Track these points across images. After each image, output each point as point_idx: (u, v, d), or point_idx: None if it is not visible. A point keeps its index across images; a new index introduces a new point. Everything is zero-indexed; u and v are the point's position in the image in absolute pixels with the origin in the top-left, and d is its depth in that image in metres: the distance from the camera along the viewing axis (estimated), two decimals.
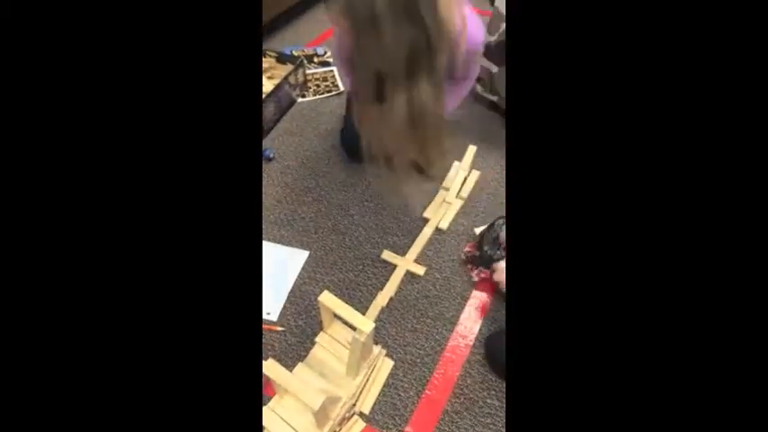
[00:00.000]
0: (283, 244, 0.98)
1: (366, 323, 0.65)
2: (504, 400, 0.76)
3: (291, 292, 0.90)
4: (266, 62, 1.31)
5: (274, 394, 0.70)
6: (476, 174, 1.12)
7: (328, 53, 1.48)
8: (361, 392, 0.74)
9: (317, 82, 1.38)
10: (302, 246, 0.98)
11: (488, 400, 0.76)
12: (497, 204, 1.07)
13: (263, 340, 0.83)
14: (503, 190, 1.10)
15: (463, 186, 1.09)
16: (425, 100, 0.63)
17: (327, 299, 0.69)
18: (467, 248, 0.97)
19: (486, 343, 0.81)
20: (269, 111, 1.20)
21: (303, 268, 0.94)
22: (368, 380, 0.75)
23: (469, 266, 0.94)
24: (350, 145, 1.12)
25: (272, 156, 1.14)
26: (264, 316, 0.86)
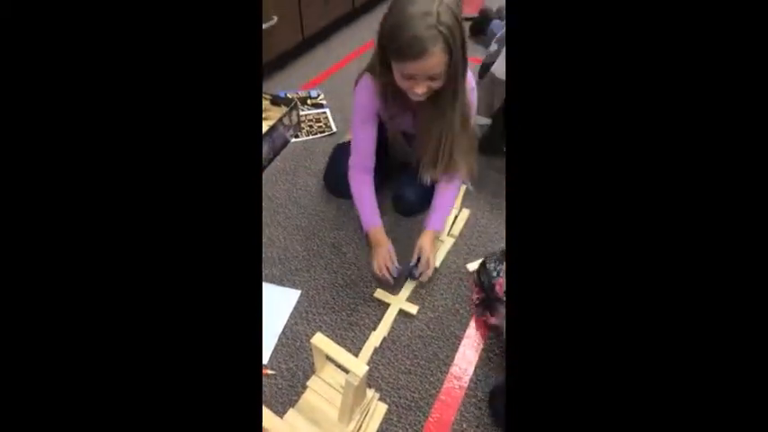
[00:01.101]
0: (275, 283, 0.97)
1: (359, 366, 0.64)
2: None
3: (282, 332, 0.89)
4: (262, 104, 1.35)
5: None
6: (466, 212, 1.15)
7: (321, 95, 1.53)
8: None
9: (311, 123, 1.41)
10: (294, 285, 0.97)
11: None
12: (487, 242, 1.08)
13: None
14: (492, 228, 1.12)
15: (454, 225, 1.11)
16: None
17: (320, 341, 0.68)
18: (474, 295, 0.92)
19: (491, 396, 0.79)
20: (263, 151, 1.22)
21: (295, 308, 0.93)
22: (361, 426, 0.73)
23: (486, 315, 0.88)
24: (333, 183, 1.15)
25: None
26: None
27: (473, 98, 0.93)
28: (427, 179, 0.96)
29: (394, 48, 0.76)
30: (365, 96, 0.92)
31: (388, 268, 0.92)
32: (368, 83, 0.91)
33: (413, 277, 0.94)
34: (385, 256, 0.93)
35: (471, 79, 0.91)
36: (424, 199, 1.07)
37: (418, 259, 0.93)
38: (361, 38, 1.88)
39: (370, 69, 0.90)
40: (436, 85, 0.80)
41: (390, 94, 0.89)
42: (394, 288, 0.95)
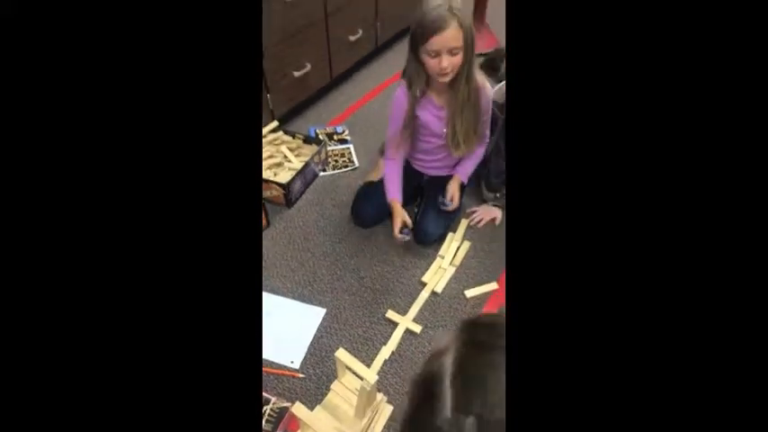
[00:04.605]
0: (305, 302, 1.18)
1: (371, 375, 0.84)
2: None
3: (311, 343, 1.10)
4: (295, 143, 1.57)
5: (298, 429, 0.88)
6: (467, 244, 1.33)
7: (346, 131, 1.74)
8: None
9: (336, 157, 1.63)
10: (320, 304, 1.18)
11: None
12: (484, 272, 1.27)
13: (288, 385, 1.01)
14: (490, 259, 1.30)
15: (456, 255, 1.30)
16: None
17: (342, 354, 0.88)
18: None
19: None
20: (297, 185, 1.44)
21: (321, 323, 1.14)
22: (371, 422, 0.93)
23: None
24: (359, 217, 1.36)
25: None
26: (289, 364, 1.05)
27: (489, 93, 1.21)
28: (458, 154, 1.27)
29: (420, 33, 1.03)
30: (400, 98, 1.20)
31: (401, 230, 1.25)
32: (402, 90, 1.19)
33: (444, 206, 1.29)
34: (401, 222, 1.25)
35: (483, 79, 1.19)
36: (444, 230, 1.33)
37: (446, 195, 1.30)
38: (386, 72, 2.07)
39: (403, 76, 1.18)
40: (456, 60, 1.06)
41: (419, 89, 1.16)
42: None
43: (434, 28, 1.01)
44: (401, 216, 1.25)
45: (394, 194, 1.28)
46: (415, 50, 1.09)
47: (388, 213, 1.32)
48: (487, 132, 1.30)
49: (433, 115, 1.22)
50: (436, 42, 1.02)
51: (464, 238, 1.35)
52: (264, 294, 1.19)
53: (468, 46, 1.06)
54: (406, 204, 1.33)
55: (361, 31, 1.90)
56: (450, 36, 1.01)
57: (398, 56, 2.16)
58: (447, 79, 1.10)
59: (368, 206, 1.35)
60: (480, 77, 1.16)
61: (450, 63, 1.05)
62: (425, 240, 1.31)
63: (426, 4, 1.04)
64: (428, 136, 1.27)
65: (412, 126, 1.24)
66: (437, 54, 1.04)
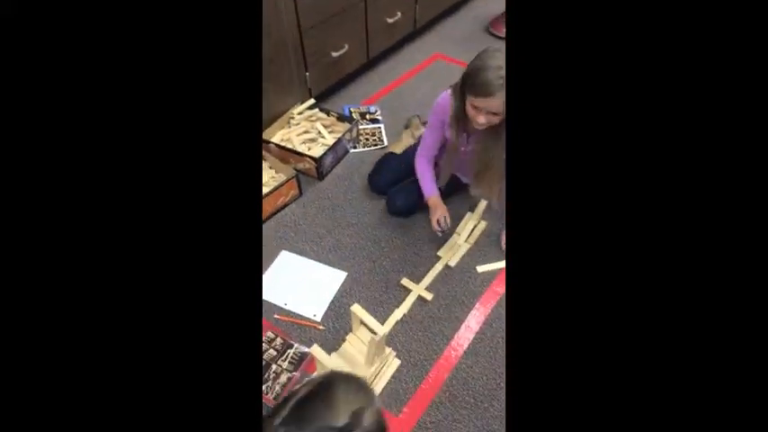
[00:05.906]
0: (329, 265, 1.31)
1: (381, 329, 0.96)
2: (478, 400, 1.03)
3: (332, 301, 1.23)
4: (329, 120, 1.68)
5: (315, 371, 1.02)
6: (483, 224, 1.41)
7: (378, 111, 1.83)
8: (373, 379, 1.04)
9: (367, 136, 1.72)
10: (343, 268, 1.30)
11: (466, 398, 1.04)
12: (498, 251, 1.34)
13: (311, 335, 1.15)
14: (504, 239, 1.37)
15: (472, 233, 1.38)
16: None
17: (357, 309, 1.00)
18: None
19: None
20: (328, 159, 1.55)
21: (342, 285, 1.26)
22: (380, 371, 1.05)
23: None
24: (375, 183, 1.48)
25: None
26: (312, 317, 1.19)
27: None
28: (479, 194, 1.28)
29: (469, 84, 1.03)
30: (441, 108, 1.20)
31: (439, 223, 1.26)
32: (446, 100, 1.17)
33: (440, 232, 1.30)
34: (440, 216, 1.26)
35: None
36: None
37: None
38: (421, 55, 2.12)
39: (452, 88, 1.15)
40: (496, 119, 1.05)
41: (457, 113, 1.14)
42: (443, 240, 1.34)
43: (483, 91, 0.99)
44: (441, 210, 1.27)
45: (430, 192, 1.30)
46: (462, 90, 1.07)
47: (400, 180, 1.41)
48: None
49: (463, 144, 1.22)
50: (480, 103, 1.02)
51: (480, 218, 1.42)
52: (294, 256, 1.33)
53: None
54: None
55: (399, 14, 1.95)
56: (495, 104, 1.00)
57: (435, 39, 2.20)
58: (481, 128, 1.09)
59: (382, 172, 1.46)
60: None
61: (487, 121, 1.05)
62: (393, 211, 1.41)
63: (488, 56, 1.00)
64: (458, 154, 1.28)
65: (445, 144, 1.27)
66: (478, 109, 1.04)
